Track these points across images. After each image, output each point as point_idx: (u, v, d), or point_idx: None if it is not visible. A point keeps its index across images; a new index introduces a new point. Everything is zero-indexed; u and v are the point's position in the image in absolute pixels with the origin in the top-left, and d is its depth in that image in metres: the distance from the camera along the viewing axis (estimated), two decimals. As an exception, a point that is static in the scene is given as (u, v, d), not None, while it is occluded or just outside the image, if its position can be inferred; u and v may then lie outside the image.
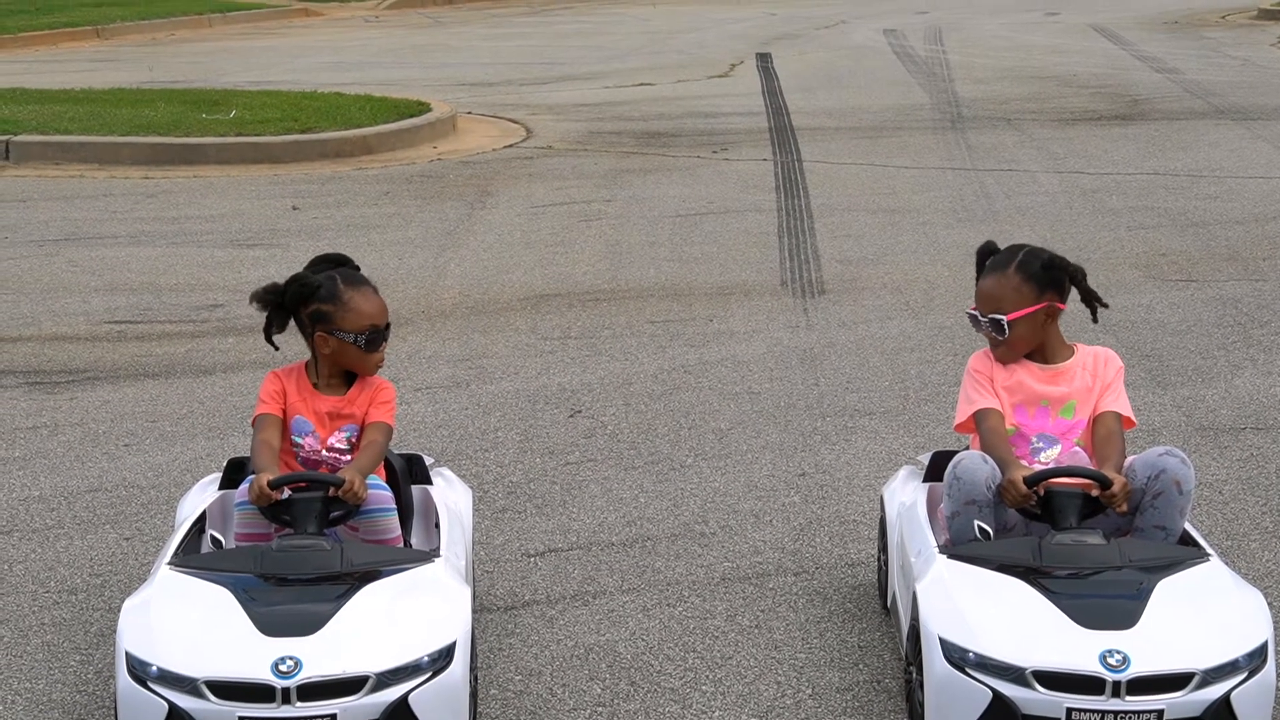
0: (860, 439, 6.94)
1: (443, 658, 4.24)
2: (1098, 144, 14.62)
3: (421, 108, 15.94)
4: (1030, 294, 4.89)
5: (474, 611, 4.49)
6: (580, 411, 7.31)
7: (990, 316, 4.90)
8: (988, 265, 5.02)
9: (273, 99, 16.52)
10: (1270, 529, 5.93)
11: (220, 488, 5.08)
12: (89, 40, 26.55)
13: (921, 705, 4.36)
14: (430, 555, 4.63)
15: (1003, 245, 5.09)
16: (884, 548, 5.23)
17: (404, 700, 4.17)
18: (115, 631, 4.37)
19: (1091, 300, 5.03)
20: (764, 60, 21.79)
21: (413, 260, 10.32)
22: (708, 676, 4.84)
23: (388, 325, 4.94)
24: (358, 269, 5.00)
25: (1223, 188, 12.51)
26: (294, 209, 12.03)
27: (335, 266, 4.96)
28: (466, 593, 4.50)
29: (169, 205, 12.25)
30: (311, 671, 4.13)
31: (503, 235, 11.08)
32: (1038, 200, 12.09)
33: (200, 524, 4.89)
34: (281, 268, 10.02)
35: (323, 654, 4.17)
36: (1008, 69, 20.48)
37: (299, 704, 4.11)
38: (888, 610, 5.15)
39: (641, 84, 19.37)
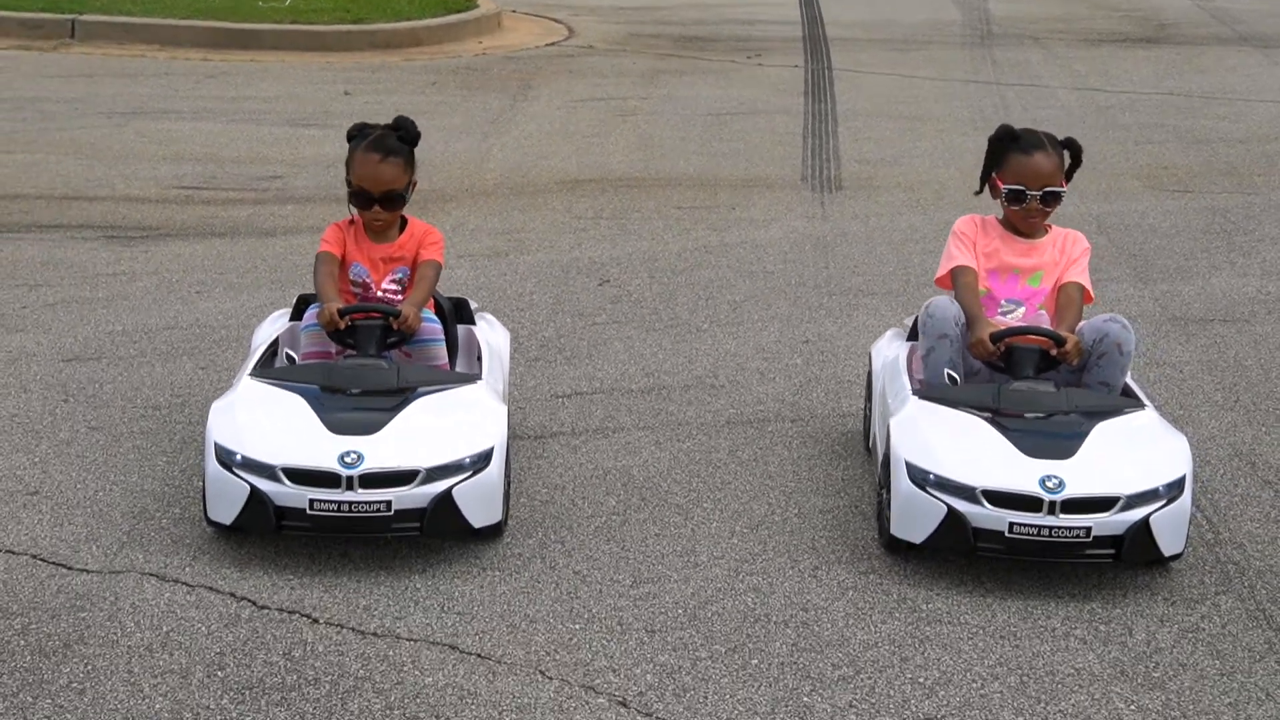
0: (861, 314, 7.63)
1: (482, 460, 4.92)
2: (1119, 64, 15.15)
3: (468, 3, 16.51)
4: (1062, 170, 5.50)
5: (508, 431, 5.18)
6: (608, 281, 8.01)
7: (1046, 190, 5.42)
8: (1020, 145, 5.50)
9: (326, -11, 17.13)
10: (1220, 402, 6.60)
11: (290, 319, 5.74)
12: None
13: (889, 520, 5.01)
14: (473, 378, 5.32)
15: None
16: (869, 397, 5.89)
17: (448, 493, 4.85)
18: (202, 431, 5.11)
19: (1075, 168, 5.59)
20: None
21: (458, 144, 10.99)
22: (709, 496, 5.56)
23: (386, 195, 5.40)
24: (406, 139, 5.49)
25: (1232, 109, 13.07)
26: (346, 94, 12.69)
27: (394, 129, 5.52)
28: (504, 409, 5.17)
29: (228, 86, 12.93)
30: (371, 464, 4.80)
31: (543, 125, 11.74)
32: (1054, 114, 12.66)
33: (273, 348, 5.57)
34: (335, 146, 10.70)
35: (381, 450, 4.83)
36: (1040, -11, 20.93)
37: (360, 490, 4.78)
38: (869, 450, 5.80)
39: (682, -10, 19.90)
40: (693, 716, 4.21)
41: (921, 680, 4.43)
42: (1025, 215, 5.48)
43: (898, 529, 4.97)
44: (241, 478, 4.84)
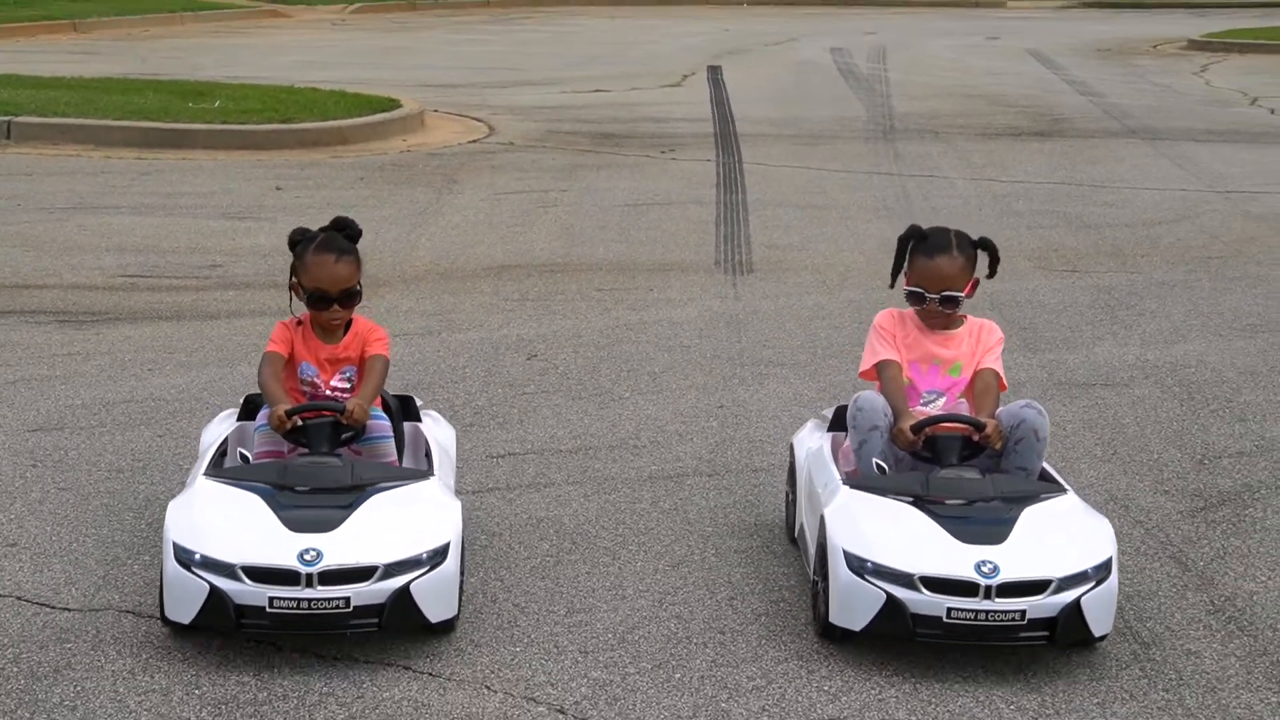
0: (772, 383, 8.22)
1: (439, 554, 5.03)
2: (1014, 156, 15.98)
3: (392, 104, 17.17)
4: (969, 271, 5.61)
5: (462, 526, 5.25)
6: (536, 356, 8.57)
7: (945, 294, 5.55)
8: (925, 247, 5.63)
9: (253, 92, 17.73)
10: (1098, 455, 7.23)
11: (238, 419, 5.88)
12: (66, 33, 27.68)
13: (827, 608, 5.11)
14: (425, 474, 5.45)
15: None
16: (792, 485, 6.03)
17: (406, 588, 4.94)
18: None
19: (995, 265, 5.77)
20: (714, 72, 23.12)
21: (388, 234, 11.54)
22: (634, 540, 6.10)
23: (344, 293, 5.53)
24: (352, 236, 5.63)
25: (1119, 196, 13.88)
26: (278, 189, 13.24)
27: (338, 229, 5.65)
28: (458, 504, 5.30)
29: (163, 183, 13.44)
30: (330, 561, 4.89)
31: (468, 216, 12.32)
32: (951, 202, 13.42)
33: (223, 448, 5.71)
34: (270, 237, 11.28)
35: (340, 547, 4.92)
36: (943, 87, 21.87)
37: (319, 587, 4.87)
38: (794, 541, 5.96)
39: (598, 90, 20.67)
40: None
41: (826, 688, 4.97)
42: (923, 316, 5.65)
43: (837, 617, 5.07)
44: (201, 577, 4.89)
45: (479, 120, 17.57)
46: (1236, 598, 5.71)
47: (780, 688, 4.97)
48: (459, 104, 18.70)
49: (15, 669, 4.92)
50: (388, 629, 4.96)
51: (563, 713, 4.76)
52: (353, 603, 4.89)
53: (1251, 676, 5.11)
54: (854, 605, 5.01)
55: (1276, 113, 20.29)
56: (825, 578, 5.14)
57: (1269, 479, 6.94)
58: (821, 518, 5.24)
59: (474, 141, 16.18)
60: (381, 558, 4.94)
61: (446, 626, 5.12)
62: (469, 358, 8.52)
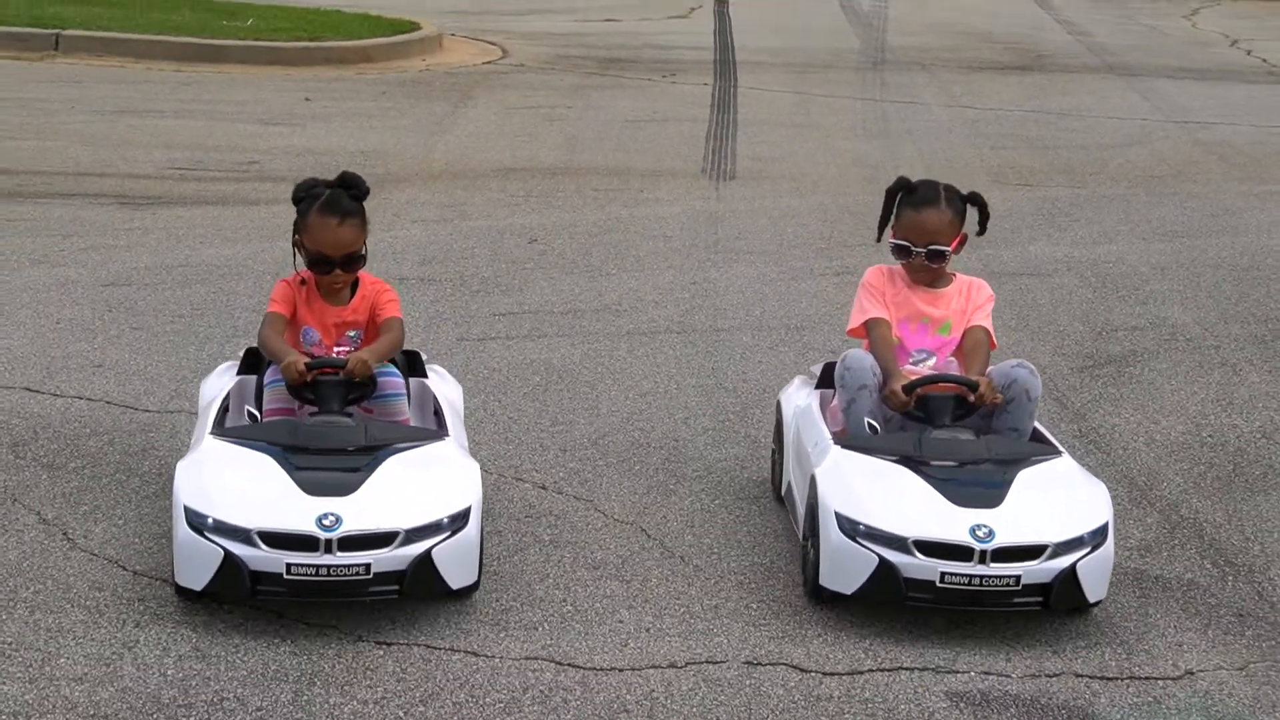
0: (740, 265, 9.45)
1: (460, 519, 4.83)
2: (993, 87, 17.11)
3: (413, 26, 18.33)
4: (957, 225, 5.49)
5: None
6: (536, 240, 9.80)
7: (931, 247, 5.42)
8: (913, 200, 5.49)
9: (283, 12, 18.88)
10: (1011, 325, 8.43)
11: (238, 373, 5.67)
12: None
13: (816, 570, 4.99)
14: (440, 435, 5.26)
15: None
16: (779, 444, 5.89)
17: (428, 554, 4.75)
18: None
19: (985, 220, 5.68)
20: (721, 4, 24.21)
21: (407, 139, 12.76)
22: (609, 376, 7.34)
23: (347, 258, 5.26)
24: (358, 196, 5.32)
25: (1082, 124, 15.03)
26: (307, 100, 14.44)
27: (344, 187, 5.33)
28: (476, 466, 5.10)
29: (202, 92, 14.65)
30: (350, 526, 4.68)
31: (481, 127, 13.53)
32: (925, 125, 14.58)
33: (224, 404, 5.46)
34: (302, 139, 12.51)
35: (359, 512, 4.72)
36: (939, 24, 22.94)
37: (339, 554, 4.66)
38: (781, 499, 5.86)
39: (608, 19, 21.80)
40: (591, 494, 5.98)
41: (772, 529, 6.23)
42: (910, 270, 5.53)
43: (828, 580, 4.95)
44: (214, 542, 4.70)
45: (493, 44, 18.73)
46: (1100, 429, 6.95)
47: (719, 476, 6.22)
48: (475, 29, 19.85)
49: (112, 449, 6.19)
50: (408, 596, 4.80)
51: (544, 489, 6.03)
52: (373, 569, 4.70)
53: (1104, 478, 6.35)
54: (846, 568, 4.89)
55: (1253, 54, 21.38)
56: (816, 539, 5.03)
57: (1153, 347, 8.17)
58: (812, 478, 5.13)
59: (488, 63, 17.35)
60: (402, 523, 4.75)
61: (467, 592, 4.93)
62: (477, 240, 9.75)
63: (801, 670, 4.74)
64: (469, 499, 4.92)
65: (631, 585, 5.26)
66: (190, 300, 8.21)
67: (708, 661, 4.77)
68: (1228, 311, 8.87)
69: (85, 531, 5.44)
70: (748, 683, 4.66)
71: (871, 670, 4.74)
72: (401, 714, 4.42)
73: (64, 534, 5.40)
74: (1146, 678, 4.77)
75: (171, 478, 4.99)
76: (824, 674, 4.72)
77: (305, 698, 4.46)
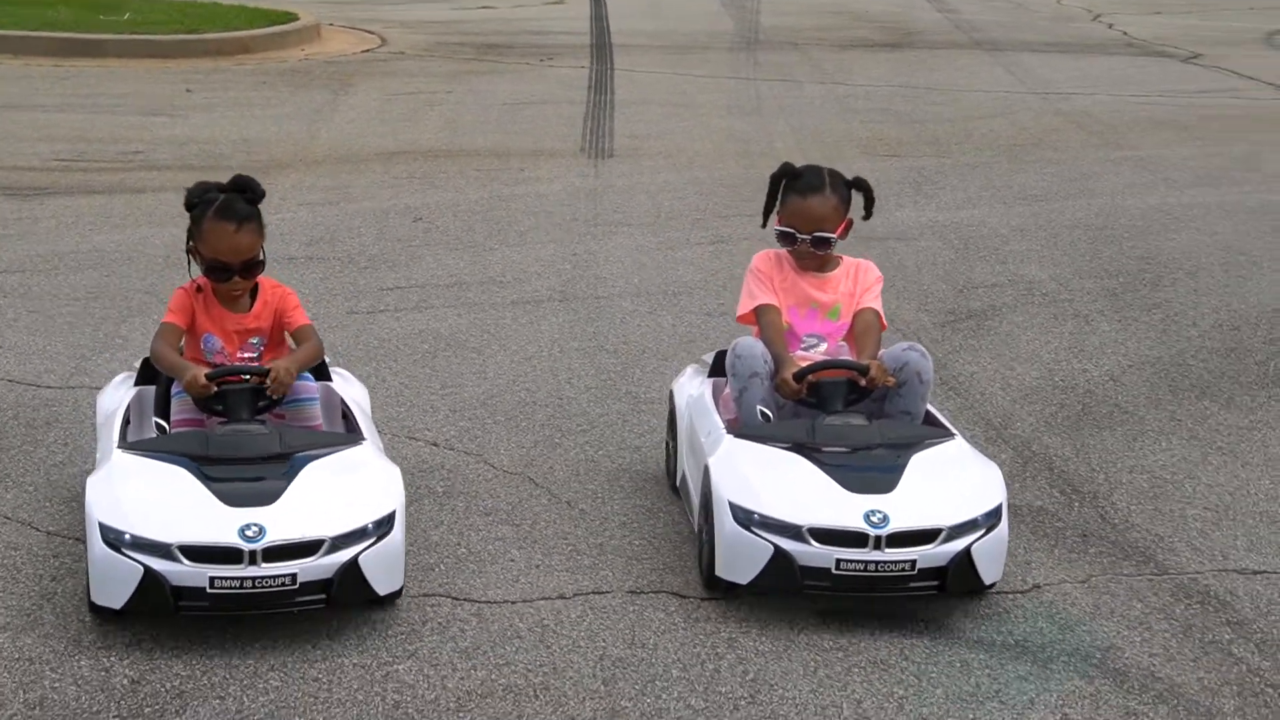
0: (618, 237, 9.80)
1: (386, 524, 4.77)
2: (863, 64, 17.60)
3: (290, 16, 18.50)
4: (842, 211, 5.50)
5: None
6: (420, 219, 10.09)
7: (816, 235, 5.41)
8: (798, 186, 5.46)
9: (159, 6, 18.98)
10: (878, 285, 8.87)
11: (135, 384, 5.56)
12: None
13: (712, 562, 4.99)
14: (357, 438, 5.16)
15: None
16: (673, 435, 5.85)
17: (354, 561, 4.68)
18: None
19: (870, 205, 5.71)
20: (596, -11, 24.58)
21: (289, 127, 12.98)
22: (495, 343, 7.66)
23: (246, 264, 5.18)
24: (254, 198, 5.24)
25: (948, 97, 15.55)
26: (188, 91, 14.59)
27: (238, 191, 5.24)
28: (397, 470, 5.02)
29: (81, 85, 14.76)
30: (274, 536, 4.59)
31: (361, 113, 13.77)
32: (797, 102, 15.02)
33: (125, 417, 5.33)
34: (184, 129, 12.70)
35: (283, 521, 4.63)
36: (811, 4, 23.45)
37: (264, 565, 4.57)
38: (675, 490, 5.85)
39: (484, 6, 22.07)
40: (481, 449, 6.31)
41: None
42: (796, 256, 5.52)
43: (724, 570, 4.94)
44: (132, 558, 4.58)
45: (372, 33, 18.94)
46: (960, 376, 7.38)
47: (601, 430, 6.57)
48: (353, 18, 20.05)
49: (16, 422, 6.43)
50: (335, 604, 4.73)
51: (436, 445, 6.35)
52: (299, 579, 4.62)
53: (958, 421, 6.76)
54: (740, 558, 4.89)
55: (1114, 28, 22.09)
56: (710, 530, 5.02)
57: (1011, 301, 8.63)
58: (705, 468, 5.11)
59: (367, 51, 17.56)
60: (327, 530, 4.67)
61: (393, 598, 4.89)
62: (363, 220, 10.02)
63: (681, 596, 5.10)
64: (393, 503, 4.85)
65: (521, 529, 5.59)
66: (84, 284, 8.42)
67: (594, 592, 5.13)
68: (1082, 268, 9.36)
69: (-4, 499, 5.70)
70: (631, 609, 5.02)
71: (747, 595, 5.10)
72: (310, 646, 4.71)
73: (-24, 501, 5.66)
74: (998, 592, 5.17)
75: (83, 491, 4.89)
76: (701, 599, 5.08)
77: (216, 629, 4.75)
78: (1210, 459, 6.46)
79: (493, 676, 4.60)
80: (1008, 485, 5.33)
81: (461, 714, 4.42)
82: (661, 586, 5.17)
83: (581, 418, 6.71)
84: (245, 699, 4.46)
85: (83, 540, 5.00)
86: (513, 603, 5.04)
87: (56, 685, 4.48)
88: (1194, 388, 7.34)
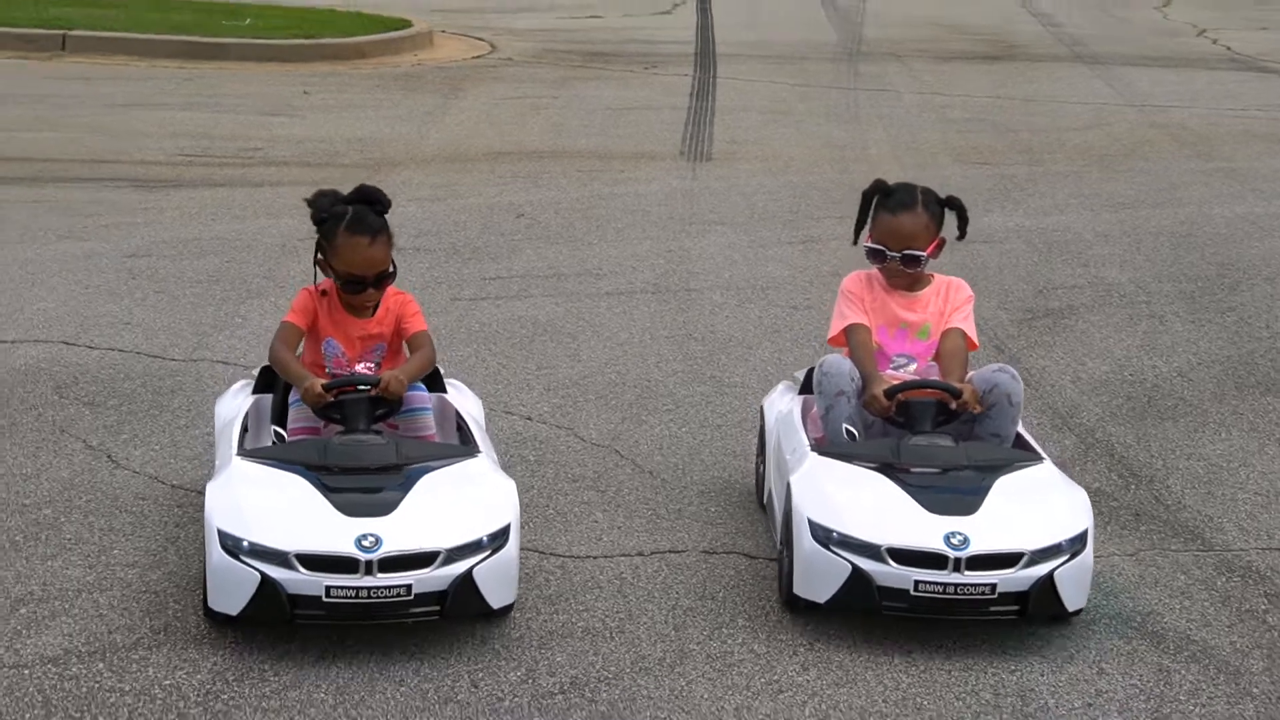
0: (712, 235, 10.21)
1: (500, 537, 4.79)
2: (962, 75, 17.89)
3: (404, 24, 19.10)
4: (934, 230, 5.46)
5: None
6: (523, 215, 10.56)
7: (906, 252, 5.38)
8: (890, 203, 5.44)
9: (279, 12, 19.66)
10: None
11: (254, 392, 5.63)
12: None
13: (790, 579, 4.98)
14: (472, 450, 5.18)
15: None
16: (762, 452, 5.89)
17: (469, 573, 4.71)
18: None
19: (965, 225, 5.61)
20: (703, 1, 24.99)
21: (401, 128, 13.52)
22: (589, 329, 8.09)
23: (379, 276, 5.21)
24: (383, 209, 5.28)
25: (1044, 108, 15.80)
26: (305, 93, 15.19)
27: (366, 202, 5.26)
28: (512, 483, 5.01)
29: (204, 87, 15.40)
30: (390, 547, 4.63)
31: (471, 116, 14.29)
32: (895, 110, 15.35)
33: (243, 424, 5.38)
34: (302, 128, 13.27)
35: (399, 532, 4.67)
36: (915, 17, 23.72)
37: (379, 575, 4.62)
38: (764, 507, 5.82)
39: (592, 16, 22.57)
40: (571, 424, 6.74)
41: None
42: (886, 274, 5.49)
43: (801, 588, 4.94)
44: (250, 565, 4.65)
45: (482, 40, 19.49)
46: (1032, 369, 7.71)
47: (686, 410, 6.97)
48: (464, 26, 20.62)
49: (144, 390, 6.96)
50: (449, 616, 4.77)
51: (529, 419, 6.79)
52: (414, 590, 4.66)
53: (1029, 412, 7.10)
54: (818, 576, 4.88)
55: (1218, 43, 22.17)
56: (790, 547, 5.02)
57: (1089, 302, 8.93)
58: (788, 485, 5.11)
59: (477, 58, 18.11)
60: (443, 542, 4.71)
61: (506, 611, 4.92)
62: (469, 215, 10.50)
63: (750, 557, 5.50)
64: (508, 516, 4.86)
65: (606, 494, 6.02)
66: (206, 269, 8.96)
67: (670, 551, 5.54)
68: (1161, 272, 9.64)
69: (126, 455, 6.21)
70: (704, 566, 5.43)
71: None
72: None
73: (108, 456, 6.18)
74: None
75: (205, 497, 4.91)
76: (770, 559, 5.47)
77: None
78: (1267, 449, 6.75)
79: (573, 620, 5.03)
80: (1068, 470, 5.62)
81: (543, 650, 4.84)
82: (734, 548, 5.57)
83: (668, 398, 7.12)
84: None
85: (202, 493, 5.15)
86: (594, 558, 5.46)
87: (179, 615, 4.96)
88: (1259, 384, 7.62)
